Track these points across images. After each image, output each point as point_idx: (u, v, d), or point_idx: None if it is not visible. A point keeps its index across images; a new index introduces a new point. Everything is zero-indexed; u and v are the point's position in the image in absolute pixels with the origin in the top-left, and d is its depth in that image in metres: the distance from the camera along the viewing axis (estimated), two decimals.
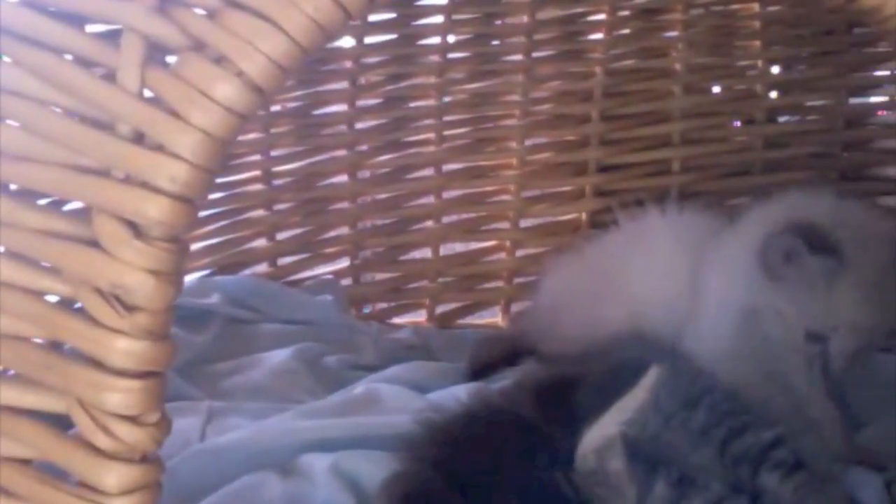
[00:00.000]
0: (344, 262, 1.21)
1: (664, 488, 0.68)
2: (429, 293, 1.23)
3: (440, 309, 1.23)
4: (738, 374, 0.85)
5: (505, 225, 1.25)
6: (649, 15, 1.25)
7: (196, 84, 0.49)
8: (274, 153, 1.18)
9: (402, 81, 1.21)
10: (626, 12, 1.24)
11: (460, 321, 1.24)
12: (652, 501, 0.67)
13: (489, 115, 1.24)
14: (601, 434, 0.57)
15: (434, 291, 1.23)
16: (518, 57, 1.22)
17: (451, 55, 1.21)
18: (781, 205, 0.91)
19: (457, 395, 0.81)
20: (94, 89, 0.50)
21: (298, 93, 1.17)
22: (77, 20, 0.52)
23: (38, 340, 0.54)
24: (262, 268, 1.18)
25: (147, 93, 0.50)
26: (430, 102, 1.22)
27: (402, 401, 0.90)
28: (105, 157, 0.51)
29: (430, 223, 1.24)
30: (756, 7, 1.26)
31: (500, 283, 1.25)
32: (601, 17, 1.24)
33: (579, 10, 1.23)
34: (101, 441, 0.52)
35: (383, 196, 1.22)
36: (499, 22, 1.23)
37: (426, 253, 1.24)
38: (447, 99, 1.22)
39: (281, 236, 1.19)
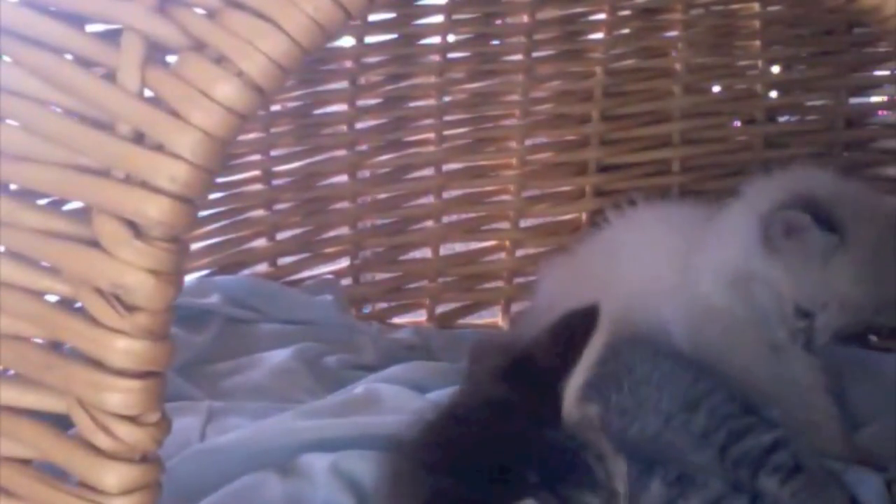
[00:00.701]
0: (344, 262, 1.21)
1: (660, 487, 0.68)
2: (429, 293, 1.23)
3: (440, 309, 1.23)
4: (721, 342, 0.86)
5: (505, 225, 1.25)
6: (649, 15, 1.25)
7: (196, 84, 0.49)
8: (274, 153, 1.18)
9: (402, 81, 1.21)
10: (626, 12, 1.24)
11: (460, 321, 1.24)
12: (648, 500, 0.68)
13: (489, 115, 1.24)
14: (574, 386, 0.58)
15: (434, 291, 1.23)
16: (518, 57, 1.22)
17: (451, 55, 1.21)
18: (784, 180, 0.92)
19: None
20: (94, 89, 0.50)
21: (298, 93, 1.17)
22: (77, 20, 0.52)
23: (38, 340, 0.54)
24: (262, 268, 1.18)
25: (147, 93, 0.50)
26: (430, 102, 1.22)
27: (402, 401, 0.90)
28: (105, 157, 0.51)
29: (430, 223, 1.24)
30: (756, 7, 1.26)
31: (500, 283, 1.25)
32: (601, 16, 1.24)
33: (579, 9, 1.23)
34: (101, 441, 0.52)
35: (383, 196, 1.22)
36: (499, 22, 1.23)
37: (426, 253, 1.24)
38: (447, 99, 1.22)
39: (281, 236, 1.19)
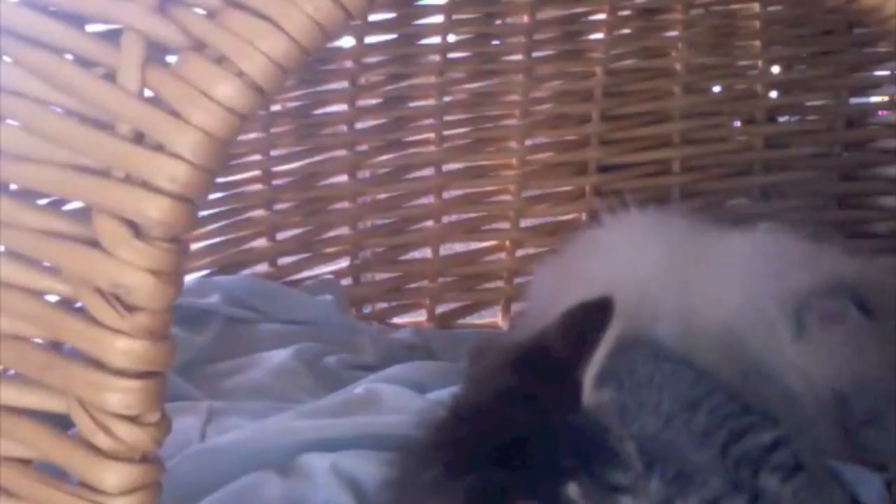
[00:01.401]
0: (344, 262, 1.21)
1: (658, 484, 0.68)
2: (429, 293, 1.23)
3: (440, 309, 1.23)
4: (715, 364, 0.86)
5: (505, 225, 1.25)
6: (649, 15, 1.25)
7: (196, 84, 0.49)
8: (274, 153, 1.18)
9: (402, 81, 1.21)
10: (626, 12, 1.24)
11: (460, 321, 1.24)
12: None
13: (489, 115, 1.24)
14: (592, 374, 0.58)
15: (434, 291, 1.23)
16: (518, 57, 1.23)
17: (451, 55, 1.21)
18: (784, 246, 0.91)
19: None
20: (94, 89, 0.50)
21: (298, 93, 1.17)
22: (77, 20, 0.52)
23: (38, 340, 0.54)
24: (262, 268, 1.18)
25: (147, 93, 0.50)
26: (430, 102, 1.22)
27: (402, 401, 0.90)
28: (105, 157, 0.51)
29: (430, 223, 1.24)
30: (756, 7, 1.26)
31: (500, 283, 1.25)
32: (601, 16, 1.24)
33: (579, 9, 1.23)
34: (101, 441, 0.51)
35: (383, 196, 1.22)
36: (499, 22, 1.23)
37: (426, 253, 1.24)
38: (447, 99, 1.22)
39: (281, 236, 1.19)
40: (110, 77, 0.50)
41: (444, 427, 0.60)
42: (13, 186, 0.53)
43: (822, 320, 0.84)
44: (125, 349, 0.51)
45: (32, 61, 0.51)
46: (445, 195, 1.23)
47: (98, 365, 0.51)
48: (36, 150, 0.52)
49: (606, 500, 0.55)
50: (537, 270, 1.08)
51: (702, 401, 0.79)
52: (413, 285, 1.23)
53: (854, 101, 1.28)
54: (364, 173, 1.21)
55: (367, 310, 1.22)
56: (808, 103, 1.29)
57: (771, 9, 1.25)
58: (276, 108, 1.17)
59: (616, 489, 0.56)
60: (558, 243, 1.19)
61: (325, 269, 1.21)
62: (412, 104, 1.22)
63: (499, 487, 0.54)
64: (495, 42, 1.23)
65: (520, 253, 1.25)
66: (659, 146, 1.27)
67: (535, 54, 1.23)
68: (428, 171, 1.23)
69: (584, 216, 1.26)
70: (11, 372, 0.54)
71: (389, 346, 1.09)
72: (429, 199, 1.23)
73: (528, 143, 1.25)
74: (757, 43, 1.27)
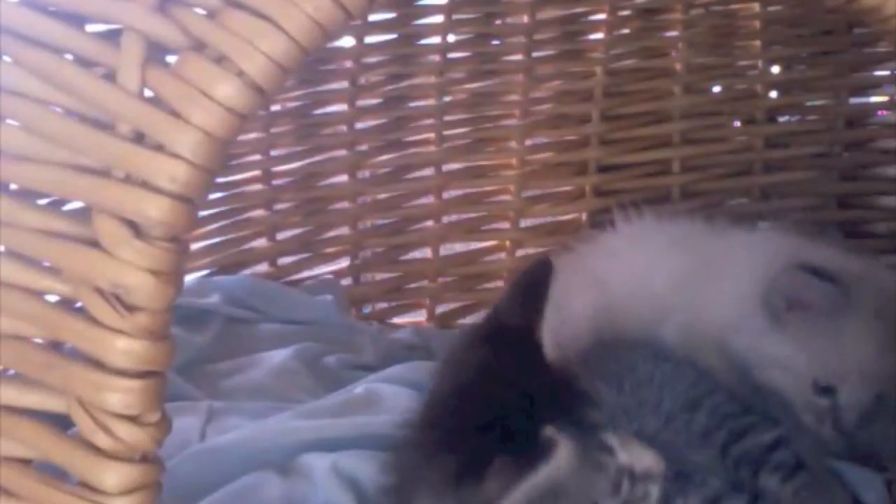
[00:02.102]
0: (344, 262, 1.21)
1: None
2: (429, 293, 1.23)
3: (440, 309, 1.23)
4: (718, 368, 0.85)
5: (505, 225, 1.25)
6: (649, 15, 1.25)
7: (196, 84, 0.49)
8: (274, 153, 1.18)
9: (402, 81, 1.21)
10: (626, 12, 1.24)
11: (460, 321, 1.24)
12: None
13: (489, 115, 1.24)
14: (548, 330, 0.62)
15: (434, 291, 1.23)
16: (518, 57, 1.22)
17: (451, 55, 1.21)
18: (777, 247, 0.89)
19: None
20: (94, 89, 0.50)
21: (298, 93, 1.17)
22: (77, 20, 0.52)
23: (39, 340, 0.54)
24: (262, 268, 1.18)
25: (147, 93, 0.50)
26: (430, 102, 1.22)
27: (401, 401, 0.90)
28: (105, 157, 0.51)
29: (430, 223, 1.24)
30: (756, 7, 1.26)
31: (500, 283, 1.25)
32: (601, 16, 1.24)
33: (579, 9, 1.23)
34: (101, 441, 0.52)
35: (383, 196, 1.22)
36: (499, 22, 1.22)
37: (426, 253, 1.24)
38: (447, 99, 1.22)
39: (281, 236, 1.19)
40: (110, 77, 0.50)
41: (427, 411, 0.64)
42: (13, 186, 0.53)
43: (791, 304, 0.82)
44: (125, 349, 0.51)
45: (32, 61, 0.51)
46: (445, 195, 1.23)
47: (98, 365, 0.51)
48: (36, 150, 0.52)
49: (589, 439, 0.58)
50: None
51: (702, 400, 0.79)
52: (413, 285, 1.23)
53: (854, 101, 1.28)
54: (364, 173, 1.21)
55: (367, 310, 1.22)
56: (808, 103, 1.29)
57: (771, 9, 1.25)
58: (276, 108, 1.17)
59: (596, 427, 0.59)
60: (558, 243, 1.20)
61: (325, 269, 1.21)
62: (412, 104, 1.22)
63: (485, 452, 0.56)
64: (495, 42, 1.23)
65: (520, 253, 1.25)
66: (659, 146, 1.26)
67: (535, 54, 1.23)
68: (428, 171, 1.23)
69: (584, 216, 1.26)
70: (11, 372, 0.54)
71: (389, 346, 1.09)
72: (429, 199, 1.23)
73: (528, 143, 1.25)
74: (757, 43, 1.27)
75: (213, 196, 1.13)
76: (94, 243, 0.51)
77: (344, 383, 0.96)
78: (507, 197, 1.25)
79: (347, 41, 1.16)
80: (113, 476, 0.52)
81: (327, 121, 1.20)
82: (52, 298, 0.53)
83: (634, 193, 1.22)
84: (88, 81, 0.51)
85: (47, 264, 0.53)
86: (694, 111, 1.27)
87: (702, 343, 0.87)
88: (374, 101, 1.21)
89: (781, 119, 1.30)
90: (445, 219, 1.24)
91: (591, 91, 1.24)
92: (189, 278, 1.09)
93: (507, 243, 1.25)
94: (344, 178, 1.20)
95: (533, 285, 0.64)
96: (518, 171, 1.24)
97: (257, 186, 1.17)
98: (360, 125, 1.20)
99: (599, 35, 1.24)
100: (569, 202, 1.27)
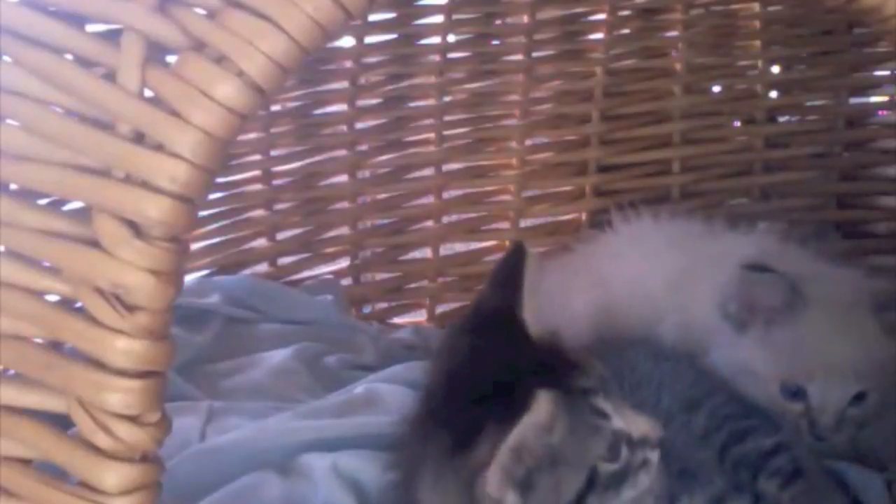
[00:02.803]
0: (344, 262, 1.21)
1: (663, 479, 0.68)
2: (429, 293, 1.23)
3: (440, 309, 1.23)
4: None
5: (505, 225, 1.25)
6: (649, 15, 1.25)
7: (196, 84, 0.49)
8: (274, 153, 1.18)
9: (402, 81, 1.21)
10: (626, 12, 1.24)
11: None
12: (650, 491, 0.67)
13: (489, 115, 1.24)
14: (529, 309, 0.65)
15: (434, 291, 1.23)
16: (518, 57, 1.22)
17: (451, 55, 1.21)
18: (744, 252, 0.89)
19: None
20: (94, 89, 0.50)
21: (298, 93, 1.17)
22: (77, 20, 0.52)
23: (39, 340, 0.54)
24: (262, 268, 1.18)
25: (147, 93, 0.50)
26: (430, 102, 1.22)
27: (402, 401, 0.90)
28: (105, 157, 0.51)
29: (430, 223, 1.24)
30: (756, 7, 1.26)
31: None
32: (601, 16, 1.24)
33: (579, 9, 1.23)
34: (101, 441, 0.52)
35: (383, 196, 1.22)
36: (499, 22, 1.23)
37: (426, 253, 1.24)
38: (447, 99, 1.22)
39: (281, 236, 1.19)
40: (110, 77, 0.50)
41: (421, 400, 0.65)
42: (13, 186, 0.53)
43: (747, 307, 0.82)
44: (125, 349, 0.51)
45: (32, 61, 0.51)
46: (445, 195, 1.23)
47: (98, 365, 0.51)
48: (36, 150, 0.52)
49: (580, 403, 0.60)
50: (546, 268, 1.08)
51: (702, 401, 0.79)
52: (413, 285, 1.23)
53: (854, 101, 1.28)
54: (364, 173, 1.21)
55: (367, 310, 1.22)
56: (808, 103, 1.29)
57: (771, 9, 1.25)
58: (276, 108, 1.17)
59: (586, 392, 0.60)
60: (558, 243, 1.20)
61: (325, 269, 1.21)
62: (412, 104, 1.22)
63: (476, 423, 0.58)
64: (495, 42, 1.23)
65: None
66: (659, 146, 1.27)
67: (535, 54, 1.23)
68: (428, 171, 1.23)
69: (584, 216, 1.26)
70: (11, 372, 0.54)
71: (389, 346, 1.09)
72: (429, 199, 1.23)
73: (528, 143, 1.25)
74: (757, 43, 1.27)
75: (213, 196, 1.13)
76: (94, 243, 0.51)
77: (344, 383, 0.96)
78: (507, 197, 1.25)
79: (347, 41, 1.16)
80: (113, 476, 0.52)
81: (327, 121, 1.20)
82: (52, 298, 0.53)
83: (634, 193, 1.22)
84: (88, 81, 0.51)
85: (47, 264, 0.53)
86: (694, 111, 1.27)
87: (695, 345, 0.87)
88: (374, 101, 1.21)
89: (781, 119, 1.30)
90: (445, 219, 1.24)
91: (591, 91, 1.25)
92: (189, 278, 1.09)
93: (507, 243, 1.25)
94: (344, 178, 1.20)
95: (509, 270, 0.66)
96: (518, 171, 1.24)
97: (257, 186, 1.17)
98: (360, 125, 1.20)
99: (599, 35, 1.24)
100: (569, 202, 1.27)
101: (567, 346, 0.64)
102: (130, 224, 0.50)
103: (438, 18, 1.20)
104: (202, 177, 0.50)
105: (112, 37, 0.51)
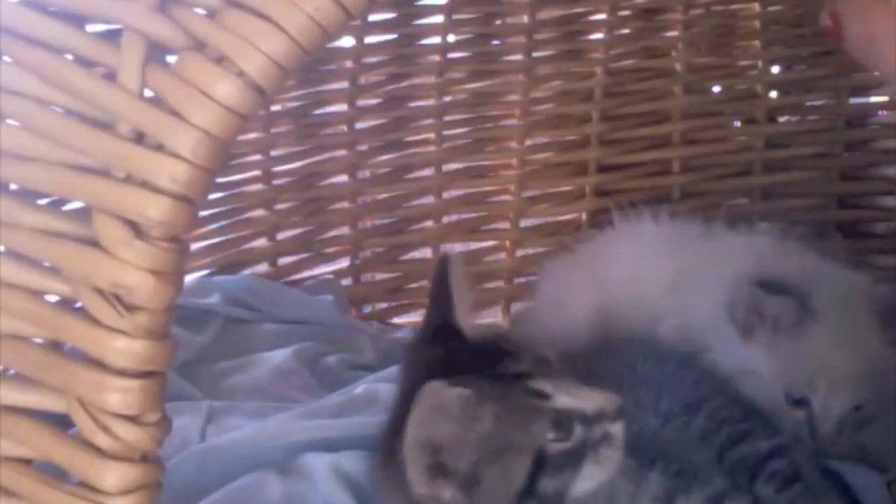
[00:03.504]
0: (344, 262, 1.21)
1: (660, 476, 0.68)
2: (429, 293, 1.23)
3: None
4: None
5: (505, 225, 1.25)
6: (649, 15, 1.25)
7: (196, 84, 0.49)
8: (274, 153, 1.18)
9: (402, 81, 1.21)
10: (626, 12, 1.24)
11: None
12: (648, 489, 0.68)
13: (489, 115, 1.24)
14: (462, 313, 0.69)
15: None
16: (518, 57, 1.23)
17: (451, 55, 1.21)
18: (745, 255, 0.89)
19: None
20: (94, 89, 0.50)
21: (298, 93, 1.17)
22: (77, 20, 0.52)
23: (39, 340, 0.54)
24: (262, 268, 1.18)
25: (147, 93, 0.50)
26: (430, 102, 1.22)
27: None
28: (105, 157, 0.51)
29: (430, 223, 1.24)
30: (756, 7, 1.26)
31: (500, 283, 1.25)
32: (601, 16, 1.24)
33: (579, 9, 1.23)
34: (101, 441, 0.52)
35: (383, 196, 1.22)
36: (499, 22, 1.23)
37: (426, 253, 1.24)
38: (447, 99, 1.22)
39: (281, 236, 1.19)
40: (110, 77, 0.50)
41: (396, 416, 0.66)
42: (13, 186, 0.53)
43: (755, 318, 0.83)
44: (125, 349, 0.51)
45: (32, 61, 0.51)
46: (445, 195, 1.23)
47: (98, 365, 0.51)
48: (36, 150, 0.52)
49: (512, 388, 0.61)
50: (546, 268, 1.08)
51: (701, 403, 0.79)
52: (413, 285, 1.23)
53: (854, 101, 1.28)
54: (364, 173, 1.21)
55: (367, 310, 1.22)
56: (808, 103, 1.29)
57: (771, 9, 1.26)
58: (276, 108, 1.17)
59: (519, 376, 0.62)
60: (558, 243, 1.20)
61: (325, 269, 1.21)
62: (412, 104, 1.22)
63: (400, 430, 0.60)
64: (495, 42, 1.23)
65: (520, 253, 1.25)
66: (659, 146, 1.27)
67: (535, 54, 1.23)
68: (428, 171, 1.23)
69: (584, 216, 1.26)
70: (11, 372, 0.54)
71: (389, 346, 1.09)
72: (429, 199, 1.23)
73: (528, 143, 1.25)
74: (757, 43, 1.27)
75: (213, 196, 1.13)
76: (94, 243, 0.51)
77: (344, 383, 0.96)
78: (507, 197, 1.25)
79: (347, 41, 1.16)
80: (113, 476, 0.52)
81: (327, 121, 1.20)
82: (53, 298, 0.53)
83: (634, 193, 1.22)
84: (88, 81, 0.51)
85: (47, 264, 0.53)
86: (694, 111, 1.27)
87: (695, 345, 0.87)
88: (374, 101, 1.21)
89: (781, 119, 1.31)
90: (445, 219, 1.24)
91: (591, 91, 1.25)
92: (189, 278, 1.09)
93: (507, 243, 1.25)
94: (344, 178, 1.20)
95: (439, 283, 0.71)
96: (518, 171, 1.24)
97: (257, 186, 1.17)
98: (360, 125, 1.20)
99: (599, 35, 1.24)
100: (569, 202, 1.27)
101: (504, 338, 0.67)
102: (130, 224, 0.50)
103: (438, 18, 1.20)
104: (202, 177, 0.50)
105: (112, 37, 0.51)
